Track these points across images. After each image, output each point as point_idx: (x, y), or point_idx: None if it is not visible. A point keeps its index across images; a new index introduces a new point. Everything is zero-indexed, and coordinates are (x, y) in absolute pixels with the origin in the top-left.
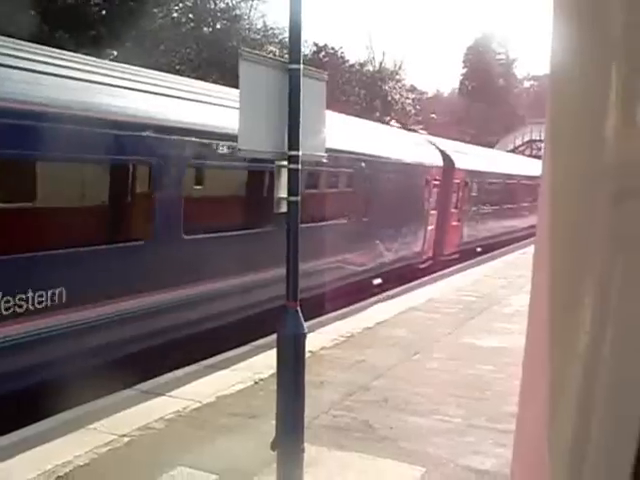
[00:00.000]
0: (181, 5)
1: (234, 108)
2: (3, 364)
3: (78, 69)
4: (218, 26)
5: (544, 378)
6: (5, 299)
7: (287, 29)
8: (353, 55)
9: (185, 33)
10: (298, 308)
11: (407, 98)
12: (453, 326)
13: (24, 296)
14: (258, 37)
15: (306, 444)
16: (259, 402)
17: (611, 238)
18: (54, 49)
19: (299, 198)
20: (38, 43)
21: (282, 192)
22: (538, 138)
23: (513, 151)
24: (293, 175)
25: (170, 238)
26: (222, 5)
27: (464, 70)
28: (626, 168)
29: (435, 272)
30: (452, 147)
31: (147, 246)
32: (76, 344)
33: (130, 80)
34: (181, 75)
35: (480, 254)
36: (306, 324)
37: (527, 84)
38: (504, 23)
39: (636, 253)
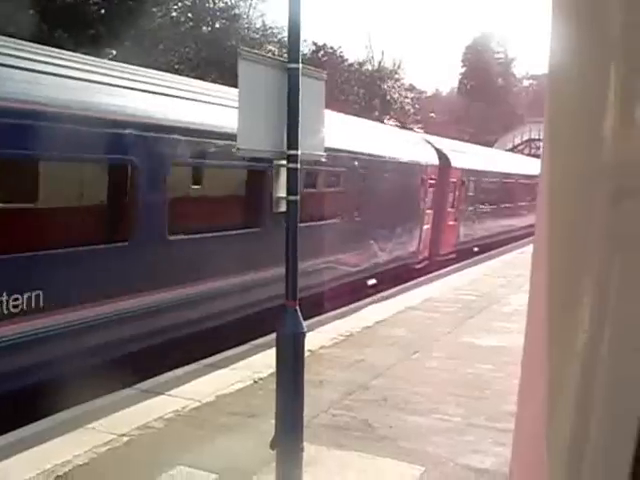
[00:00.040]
0: (180, 4)
1: (227, 106)
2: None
3: (78, 69)
4: (217, 25)
5: (543, 377)
6: None
7: (286, 28)
8: (352, 54)
9: (184, 32)
10: (297, 307)
11: (406, 97)
12: (452, 325)
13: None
14: (257, 36)
15: (305, 443)
16: (258, 401)
17: (609, 237)
18: (53, 48)
19: (298, 197)
20: (37, 42)
21: (281, 191)
22: (537, 137)
23: (512, 150)
24: (292, 174)
25: (154, 238)
26: (221, 4)
27: (463, 69)
28: (624, 168)
29: (431, 272)
30: (448, 146)
31: (131, 247)
32: (56, 347)
33: (122, 79)
34: (180, 74)
35: (477, 254)
36: (305, 323)
37: (526, 83)
38: (503, 22)
39: (634, 252)
